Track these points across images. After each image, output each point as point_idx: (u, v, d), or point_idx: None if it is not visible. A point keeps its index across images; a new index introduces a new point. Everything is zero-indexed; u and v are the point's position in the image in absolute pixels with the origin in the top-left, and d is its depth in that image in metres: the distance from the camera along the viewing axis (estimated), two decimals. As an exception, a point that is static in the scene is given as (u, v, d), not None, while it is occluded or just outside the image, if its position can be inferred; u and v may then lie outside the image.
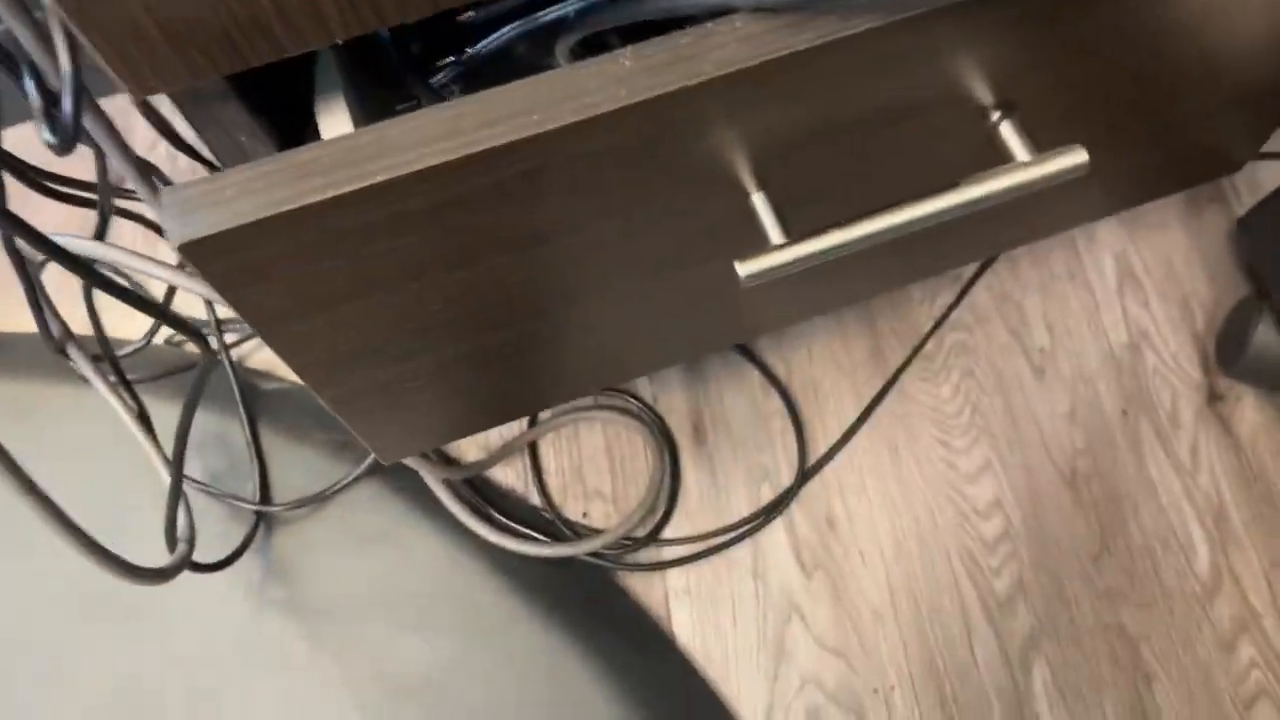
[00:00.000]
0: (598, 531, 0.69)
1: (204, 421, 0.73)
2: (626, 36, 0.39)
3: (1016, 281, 0.75)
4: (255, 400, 0.73)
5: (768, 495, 0.70)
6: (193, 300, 0.73)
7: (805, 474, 0.70)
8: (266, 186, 0.32)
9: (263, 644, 0.66)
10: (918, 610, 0.66)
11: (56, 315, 0.59)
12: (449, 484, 0.69)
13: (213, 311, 0.71)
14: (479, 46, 0.49)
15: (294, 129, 0.46)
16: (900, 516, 0.69)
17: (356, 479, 0.70)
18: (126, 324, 0.73)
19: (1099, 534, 0.67)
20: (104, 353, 0.62)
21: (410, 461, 0.64)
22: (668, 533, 0.69)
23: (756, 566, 0.68)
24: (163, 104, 0.41)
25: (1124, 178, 0.59)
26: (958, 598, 0.66)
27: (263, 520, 0.69)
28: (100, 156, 0.49)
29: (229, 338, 0.72)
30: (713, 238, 0.44)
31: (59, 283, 0.57)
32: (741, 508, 0.70)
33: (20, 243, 0.47)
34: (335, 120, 0.46)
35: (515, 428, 0.72)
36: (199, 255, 0.33)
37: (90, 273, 0.43)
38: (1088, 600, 0.66)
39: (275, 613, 0.66)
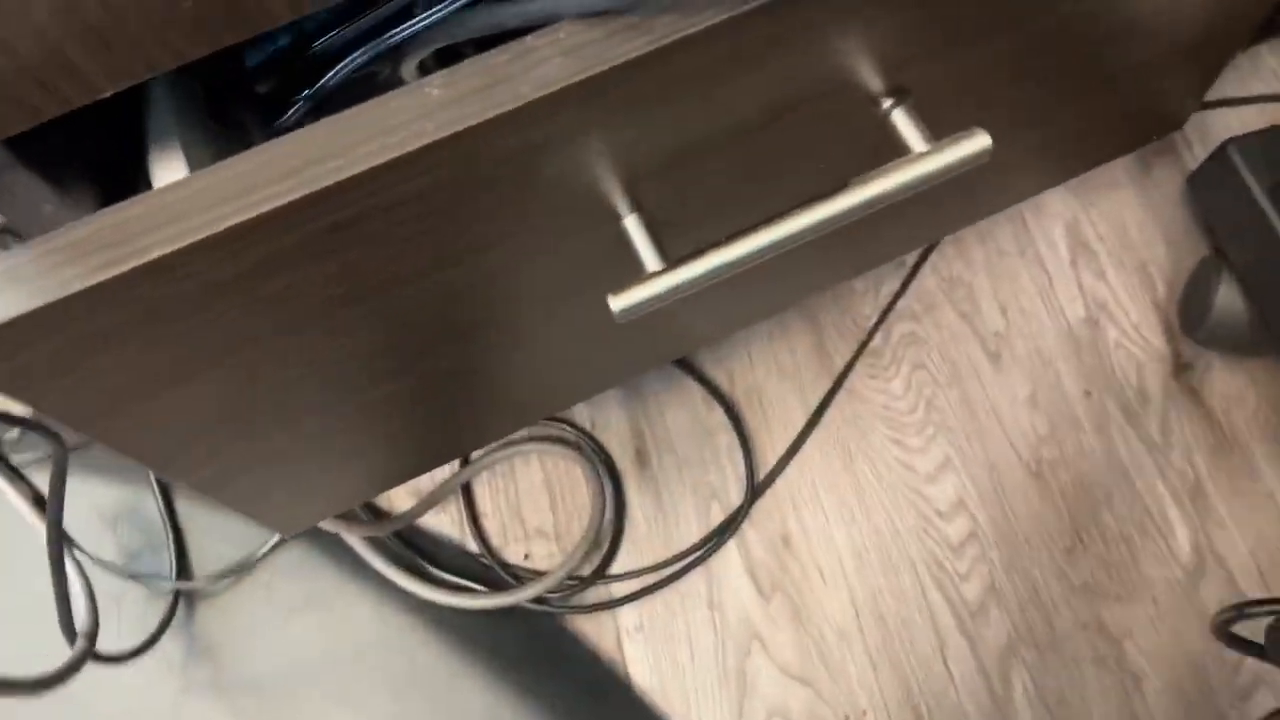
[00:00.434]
0: (541, 574, 0.64)
1: (116, 495, 0.68)
2: (483, 45, 0.34)
3: (964, 262, 0.71)
4: (170, 467, 0.68)
5: (718, 516, 0.66)
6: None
7: (755, 491, 0.66)
8: (29, 275, 0.28)
9: (193, 729, 0.61)
10: (885, 627, 0.62)
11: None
12: (376, 540, 0.65)
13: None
14: (326, 78, 0.44)
15: (127, 182, 0.41)
16: (858, 527, 0.64)
17: (278, 544, 0.65)
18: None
19: (1070, 526, 0.63)
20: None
21: (327, 524, 0.60)
22: (615, 567, 0.65)
23: (711, 595, 0.64)
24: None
25: (1060, 146, 0.55)
26: (927, 609, 0.62)
27: (181, 597, 0.65)
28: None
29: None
30: (587, 269, 0.39)
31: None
32: (691, 533, 0.65)
33: None
34: (170, 169, 0.41)
35: (446, 470, 0.67)
36: (-41, 361, 0.28)
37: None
38: (1065, 599, 0.62)
39: (200, 695, 0.62)
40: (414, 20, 0.41)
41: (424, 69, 0.40)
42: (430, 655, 0.62)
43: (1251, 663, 0.59)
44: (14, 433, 0.68)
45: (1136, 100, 0.53)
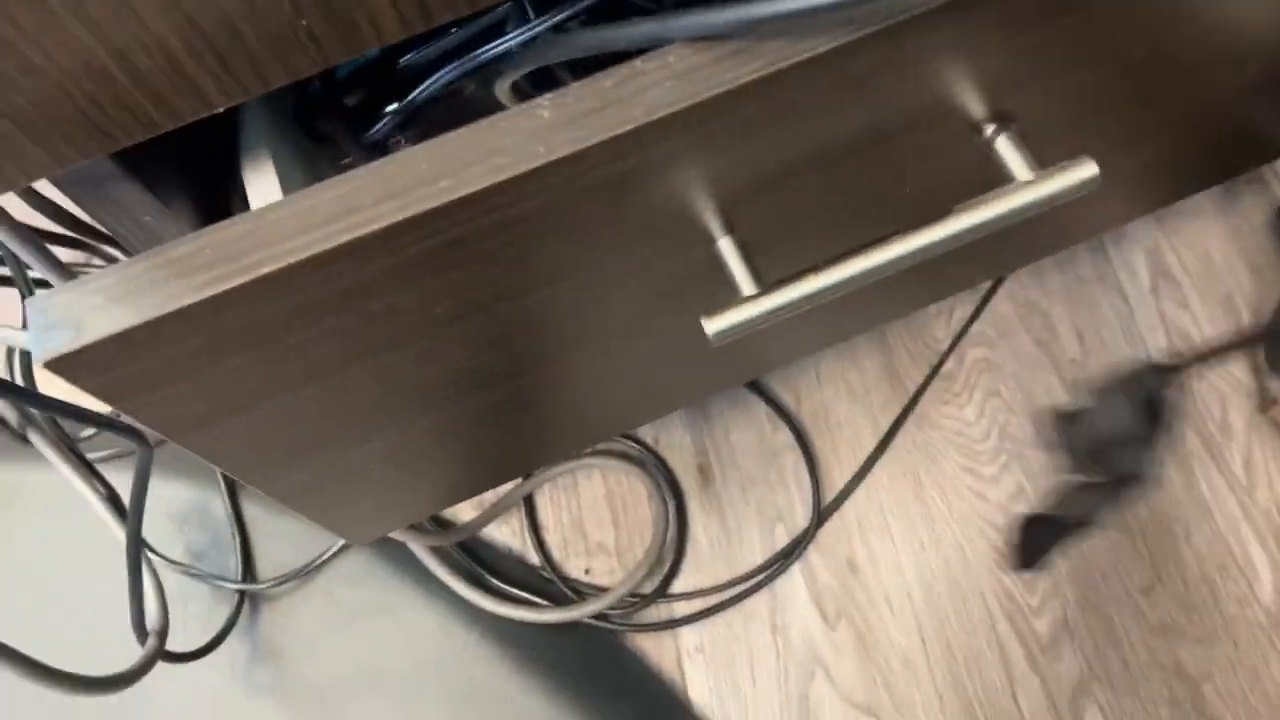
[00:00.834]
0: (602, 590, 0.64)
1: (185, 496, 0.69)
2: (578, 69, 0.34)
3: (1040, 288, 0.69)
4: (237, 468, 0.69)
5: (783, 539, 0.65)
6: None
7: (821, 514, 0.65)
8: (133, 291, 0.28)
9: (254, 731, 0.62)
10: (953, 658, 0.61)
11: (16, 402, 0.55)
12: (440, 550, 0.65)
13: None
14: (416, 93, 0.44)
15: (221, 195, 0.42)
16: (928, 555, 0.63)
17: (343, 549, 0.66)
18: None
19: (1149, 563, 0.61)
20: (64, 439, 0.59)
21: (395, 533, 0.60)
22: (677, 586, 0.64)
23: (775, 618, 0.63)
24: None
25: (1152, 176, 0.53)
26: (996, 642, 0.61)
27: (246, 599, 0.66)
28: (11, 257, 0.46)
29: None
30: (682, 291, 0.39)
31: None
32: (755, 554, 0.65)
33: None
34: (263, 184, 0.42)
35: (510, 482, 0.67)
36: (69, 371, 0.29)
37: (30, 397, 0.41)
38: (1141, 638, 0.60)
39: (263, 697, 0.62)
40: (505, 38, 0.41)
41: (518, 90, 0.40)
42: (489, 669, 0.62)
43: (1338, 713, 0.57)
44: (90, 429, 0.69)
45: (1229, 131, 0.52)
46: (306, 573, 0.65)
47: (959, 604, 0.62)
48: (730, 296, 0.35)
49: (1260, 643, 0.59)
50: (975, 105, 0.37)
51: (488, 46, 0.42)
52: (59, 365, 0.28)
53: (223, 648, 0.63)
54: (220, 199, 0.42)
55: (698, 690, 0.62)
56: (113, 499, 0.61)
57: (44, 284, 0.54)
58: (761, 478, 0.67)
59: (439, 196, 0.28)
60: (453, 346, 0.36)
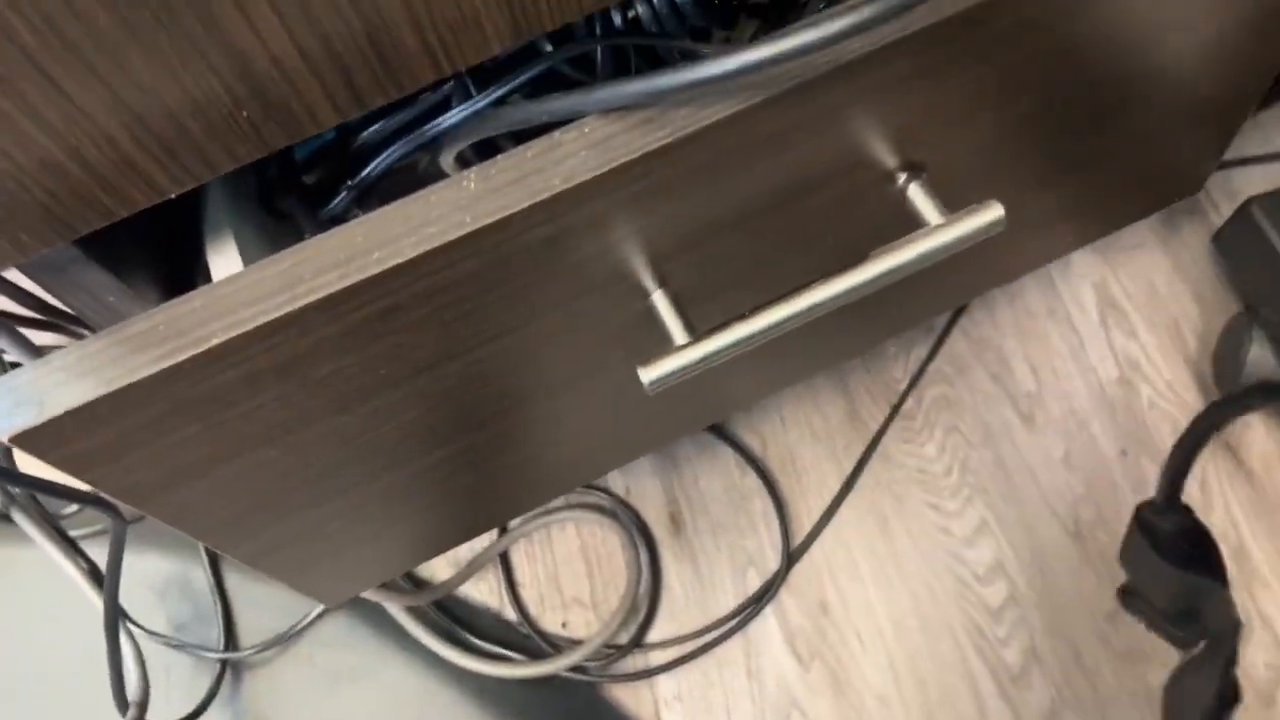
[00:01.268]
0: (578, 643, 0.65)
1: (166, 568, 0.70)
2: (521, 137, 0.36)
3: (993, 325, 0.71)
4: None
5: (755, 583, 0.66)
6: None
7: (791, 556, 0.66)
8: (92, 367, 0.30)
9: (238, 801, 0.62)
10: (926, 693, 0.61)
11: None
12: (418, 610, 0.66)
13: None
14: (368, 170, 0.47)
15: (189, 270, 0.44)
16: (896, 592, 0.64)
17: (323, 613, 0.67)
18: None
19: (1112, 588, 0.63)
20: (45, 516, 0.60)
21: (369, 594, 0.61)
22: (653, 635, 0.65)
23: (750, 663, 0.64)
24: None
25: (1080, 211, 0.56)
26: (967, 675, 0.61)
27: (229, 668, 0.66)
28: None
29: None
30: (623, 342, 0.41)
31: (-19, 454, 0.55)
32: (728, 600, 0.66)
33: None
34: (225, 260, 0.44)
35: (485, 539, 0.69)
36: (33, 446, 0.30)
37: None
38: (1108, 664, 0.61)
39: (247, 767, 0.63)
40: (448, 115, 0.44)
41: (463, 160, 0.43)
42: (471, 725, 0.63)
43: (1306, 728, 0.58)
44: (71, 507, 0.70)
45: (1153, 165, 0.54)
46: (288, 639, 0.66)
47: (929, 638, 0.63)
48: (664, 346, 0.37)
49: (1226, 662, 0.60)
50: (886, 156, 0.39)
51: (430, 124, 0.45)
52: (23, 440, 0.30)
53: (205, 716, 0.63)
54: (188, 274, 0.44)
55: (677, 738, 0.62)
56: (94, 573, 0.62)
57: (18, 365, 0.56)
58: (732, 523, 0.68)
59: (374, 266, 0.30)
60: (402, 406, 0.37)
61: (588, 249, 0.34)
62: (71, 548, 0.62)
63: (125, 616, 0.58)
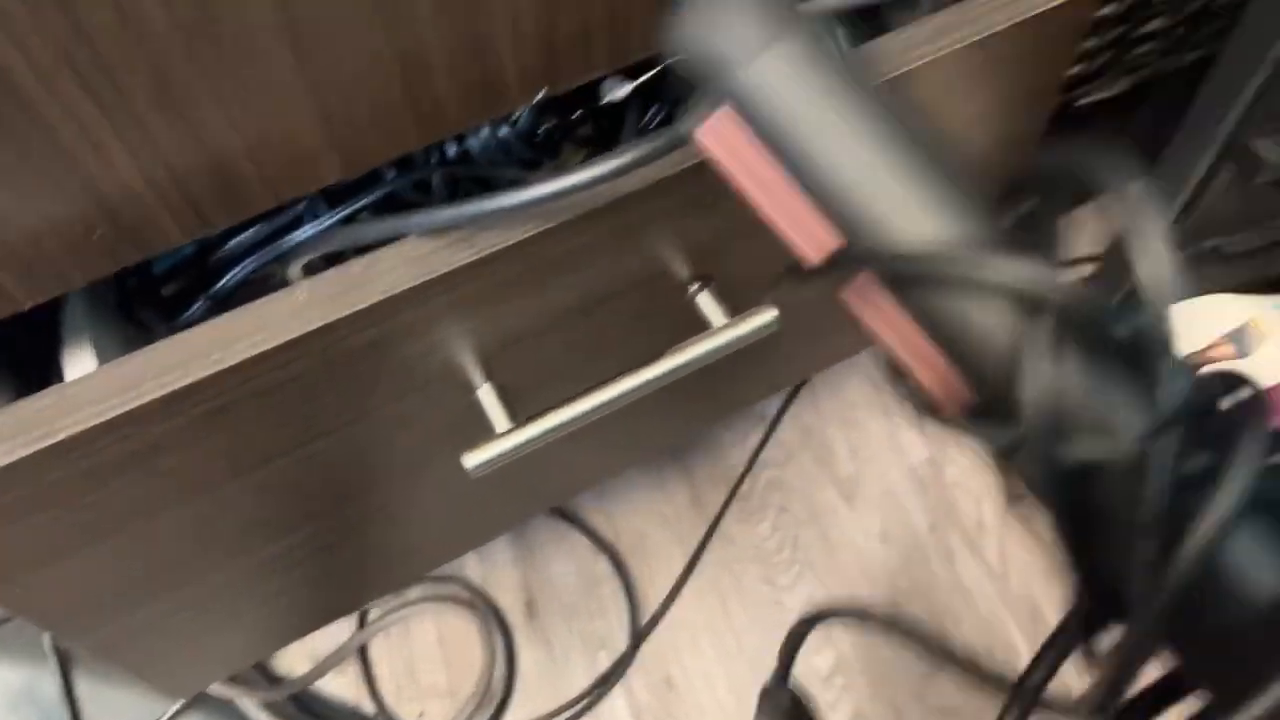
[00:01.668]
0: (434, 730, 0.67)
1: (16, 677, 0.69)
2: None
3: (818, 414, 0.79)
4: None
5: (605, 663, 0.69)
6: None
7: (639, 636, 0.70)
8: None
9: None
10: (763, 759, 0.65)
11: None
12: (275, 704, 0.67)
13: None
14: (223, 282, 0.51)
15: (43, 374, 0.47)
16: (735, 664, 0.69)
17: (177, 715, 0.67)
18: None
19: (925, 652, 0.69)
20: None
21: (222, 690, 0.62)
22: (507, 719, 0.68)
23: (600, 740, 0.67)
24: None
25: None
26: (800, 739, 0.66)
27: (75, 777, 0.65)
28: None
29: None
30: (449, 434, 0.45)
31: None
32: (580, 681, 0.69)
33: None
34: (81, 365, 0.47)
35: (343, 631, 0.70)
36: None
37: None
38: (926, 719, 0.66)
39: None
40: (299, 231, 0.49)
41: (311, 270, 0.47)
42: (325, 819, 0.63)
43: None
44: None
45: None
46: (138, 743, 0.66)
47: (766, 707, 0.67)
48: (487, 433, 0.42)
49: (1027, 714, 0.66)
50: (678, 269, 0.46)
51: (284, 239, 0.49)
52: None
53: (48, 829, 0.62)
54: (47, 379, 0.47)
55: (530, 819, 0.64)
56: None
57: None
58: (584, 607, 0.72)
59: (211, 367, 0.34)
60: (243, 498, 0.41)
61: (411, 350, 0.39)
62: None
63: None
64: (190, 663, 0.51)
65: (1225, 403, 0.18)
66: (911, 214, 0.19)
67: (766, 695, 0.20)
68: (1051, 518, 0.18)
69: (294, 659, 0.70)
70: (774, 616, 0.70)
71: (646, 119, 0.53)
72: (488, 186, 0.55)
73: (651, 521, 0.75)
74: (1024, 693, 0.19)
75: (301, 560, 0.48)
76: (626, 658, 0.69)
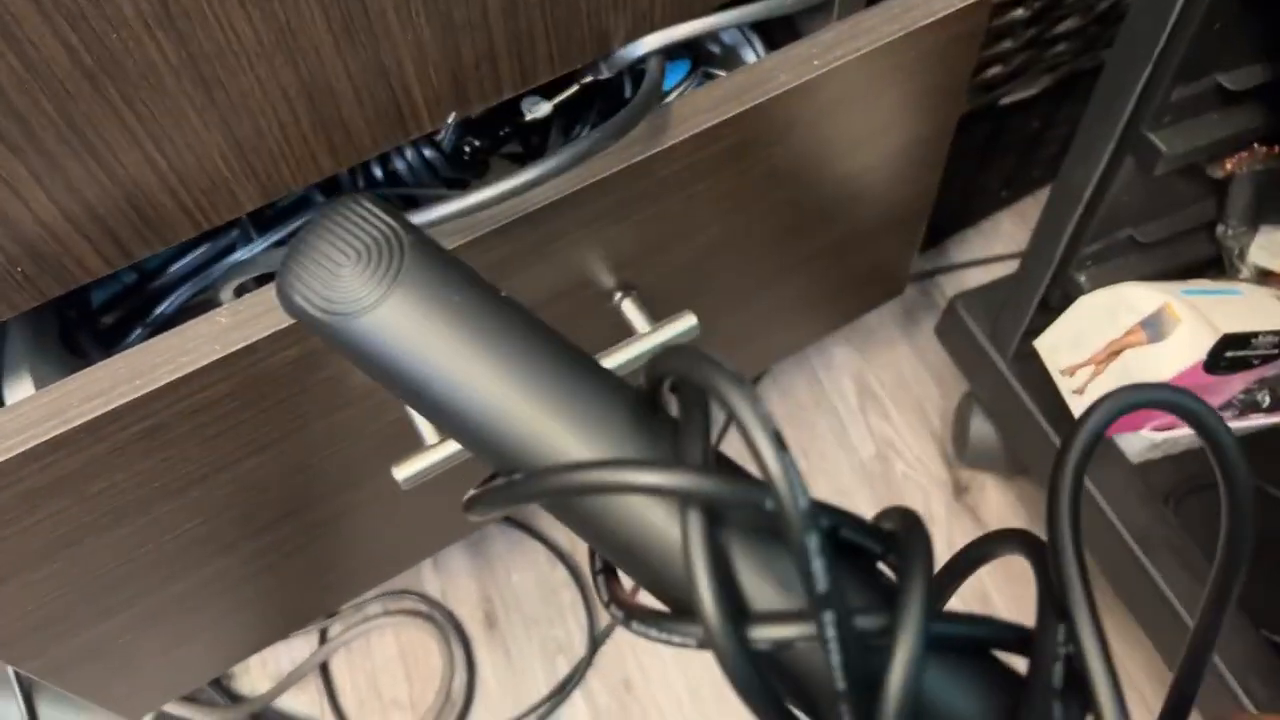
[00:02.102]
0: (397, 742, 0.68)
1: (-23, 709, 0.70)
2: None
3: (768, 416, 0.80)
4: (33, 675, 0.70)
5: (564, 669, 0.71)
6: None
7: (596, 641, 0.71)
8: None
9: None
10: (720, 755, 0.67)
11: None
12: (236, 724, 0.67)
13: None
14: (160, 309, 0.52)
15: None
16: (691, 664, 0.70)
17: (140, 738, 0.67)
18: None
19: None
20: None
21: (183, 710, 0.63)
22: (469, 728, 0.69)
23: (560, 744, 0.68)
24: None
25: (788, 316, 0.64)
26: (756, 734, 0.67)
27: (39, 805, 0.66)
28: None
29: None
30: (385, 448, 0.47)
31: None
32: (540, 687, 0.70)
33: None
34: (21, 396, 0.48)
35: (304, 649, 0.71)
36: None
37: None
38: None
39: None
40: (232, 257, 0.50)
41: (243, 292, 0.49)
42: (289, 834, 0.64)
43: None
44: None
45: (842, 277, 0.63)
46: (102, 769, 0.67)
47: (723, 704, 0.69)
48: (417, 446, 0.43)
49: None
50: (602, 278, 0.47)
51: (216, 265, 0.51)
52: None
53: None
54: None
55: (494, 825, 0.65)
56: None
57: None
58: (542, 615, 0.73)
59: (133, 392, 0.35)
60: (180, 517, 0.42)
61: (335, 368, 0.40)
62: None
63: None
64: (142, 683, 0.52)
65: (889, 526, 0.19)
66: (555, 434, 0.18)
67: None
68: (759, 708, 0.17)
69: (255, 678, 0.70)
70: (728, 615, 0.72)
71: (572, 136, 0.54)
72: (417, 205, 0.57)
73: (607, 527, 0.76)
74: None
75: (245, 579, 0.49)
76: (585, 662, 0.70)
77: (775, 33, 0.52)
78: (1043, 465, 0.66)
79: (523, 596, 0.74)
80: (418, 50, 0.36)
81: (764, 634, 0.17)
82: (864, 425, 0.80)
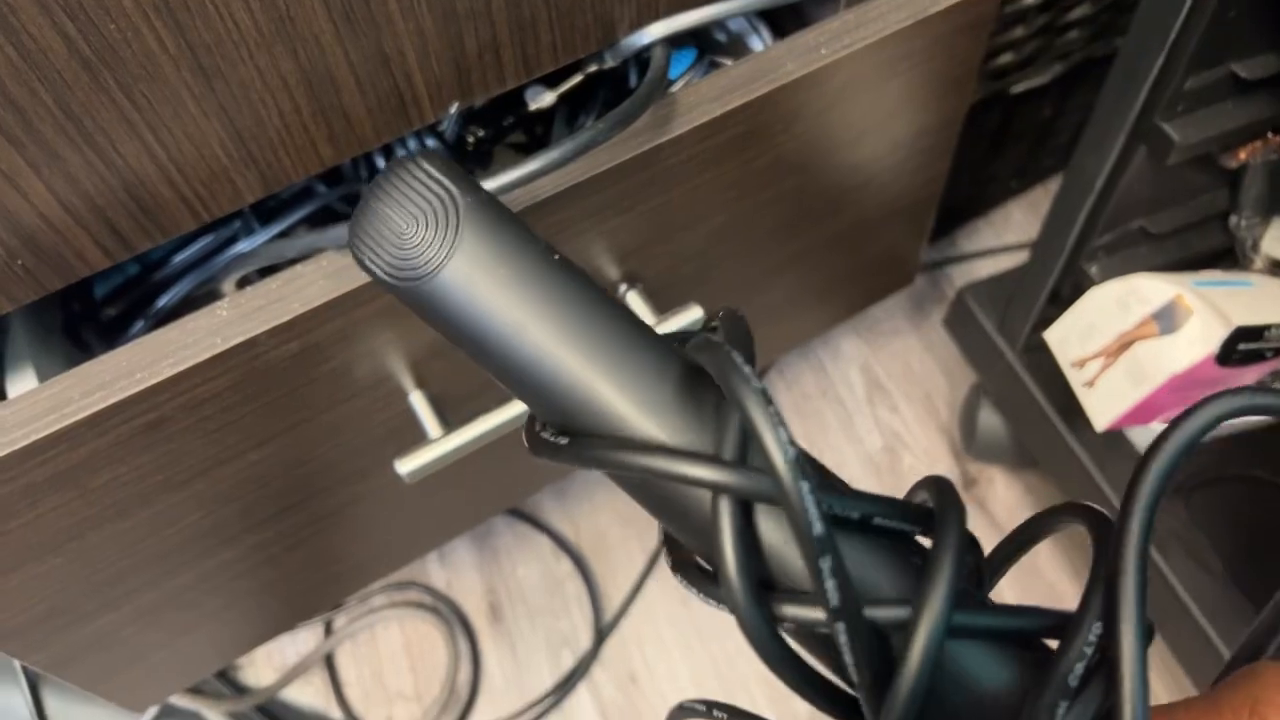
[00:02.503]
0: (403, 734, 0.68)
1: (-16, 700, 0.70)
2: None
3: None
4: (40, 666, 0.71)
5: (569, 662, 0.70)
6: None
7: (602, 633, 0.71)
8: None
9: None
10: (726, 748, 0.67)
11: None
12: (241, 715, 0.68)
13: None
14: (163, 302, 0.51)
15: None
16: (697, 656, 0.70)
17: (146, 730, 0.67)
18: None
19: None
20: None
21: (186, 701, 0.63)
22: (474, 720, 0.69)
23: (566, 737, 0.68)
24: None
25: (793, 308, 0.63)
26: (762, 727, 0.67)
27: (46, 795, 0.66)
28: None
29: None
30: (388, 441, 0.46)
31: None
32: (545, 680, 0.70)
33: None
34: (24, 389, 0.48)
35: (310, 641, 0.71)
36: None
37: None
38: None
39: None
40: (234, 248, 0.50)
41: (247, 283, 0.48)
42: (295, 826, 0.64)
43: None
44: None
45: (849, 267, 0.63)
46: (109, 760, 0.67)
47: (729, 696, 0.68)
48: (420, 440, 0.43)
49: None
50: (608, 269, 0.47)
51: (219, 257, 0.50)
52: None
53: None
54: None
55: (499, 817, 0.65)
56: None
57: None
58: (547, 607, 0.73)
59: (135, 386, 0.35)
60: (183, 510, 0.42)
61: (336, 361, 0.40)
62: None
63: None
64: (147, 675, 0.52)
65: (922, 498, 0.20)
66: (609, 402, 0.19)
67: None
68: (788, 681, 0.18)
69: (260, 669, 0.71)
70: (735, 608, 0.71)
71: (576, 126, 0.54)
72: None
73: (612, 520, 0.76)
74: None
75: (249, 571, 0.49)
76: (591, 655, 0.70)
77: (782, 20, 0.51)
78: (1052, 458, 0.66)
79: (528, 589, 0.73)
80: (419, 39, 0.36)
81: (785, 612, 0.17)
82: (871, 417, 0.79)
